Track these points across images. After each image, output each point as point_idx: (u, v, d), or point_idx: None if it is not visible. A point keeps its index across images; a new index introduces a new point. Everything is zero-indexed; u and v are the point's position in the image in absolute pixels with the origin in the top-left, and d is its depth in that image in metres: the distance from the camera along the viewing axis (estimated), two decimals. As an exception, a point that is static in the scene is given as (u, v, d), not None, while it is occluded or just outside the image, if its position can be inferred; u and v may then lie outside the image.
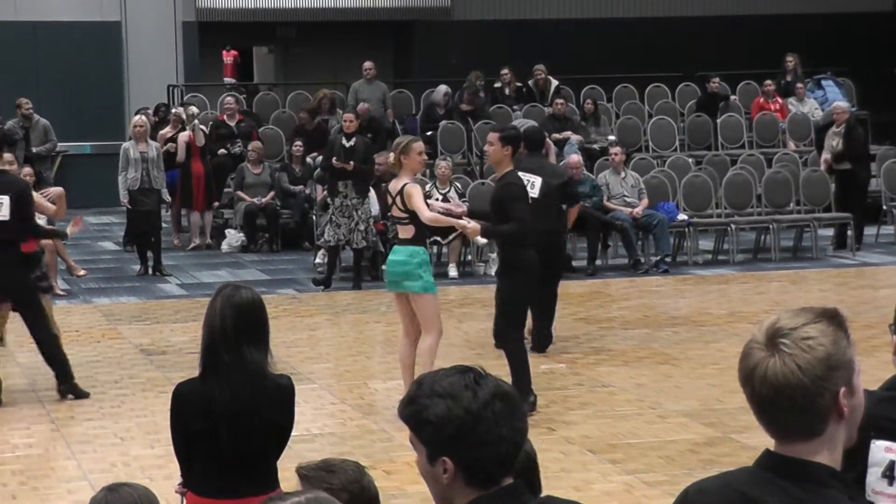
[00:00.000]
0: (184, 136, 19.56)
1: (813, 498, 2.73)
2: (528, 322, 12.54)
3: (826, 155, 19.67)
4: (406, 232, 10.43)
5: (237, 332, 5.38)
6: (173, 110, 20.66)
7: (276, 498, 3.08)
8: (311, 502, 3.06)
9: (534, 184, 12.38)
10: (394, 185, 10.49)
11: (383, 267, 15.54)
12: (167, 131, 19.73)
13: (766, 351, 2.75)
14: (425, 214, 10.28)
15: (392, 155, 10.70)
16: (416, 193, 10.26)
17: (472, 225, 10.43)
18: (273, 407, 5.46)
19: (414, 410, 2.86)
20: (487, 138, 10.93)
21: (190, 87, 24.09)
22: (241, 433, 5.39)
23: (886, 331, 3.68)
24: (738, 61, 24.57)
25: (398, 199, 10.34)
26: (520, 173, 12.44)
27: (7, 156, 11.64)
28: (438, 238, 16.82)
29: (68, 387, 11.39)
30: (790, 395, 2.72)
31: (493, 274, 11.53)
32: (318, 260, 17.77)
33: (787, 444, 2.77)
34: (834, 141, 19.62)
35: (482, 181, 18.28)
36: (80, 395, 11.41)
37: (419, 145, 10.51)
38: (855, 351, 2.79)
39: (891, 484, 3.47)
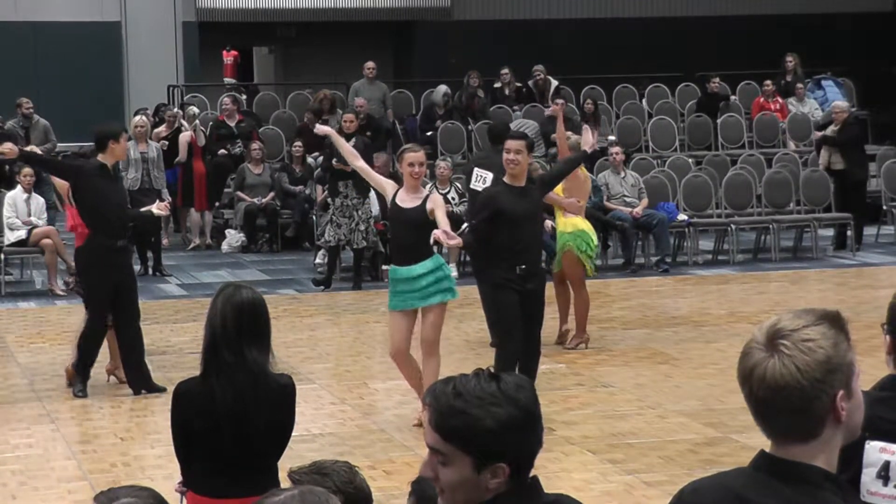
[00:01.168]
0: (185, 137, 19.60)
1: (807, 500, 2.73)
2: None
3: (820, 145, 19.58)
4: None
5: (239, 331, 5.39)
6: (170, 111, 20.65)
7: (269, 494, 3.10)
8: (304, 494, 3.08)
9: (485, 178, 12.42)
10: None
11: (384, 267, 15.58)
12: (161, 130, 19.72)
13: (766, 352, 2.74)
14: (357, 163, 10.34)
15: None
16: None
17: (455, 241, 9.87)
18: (275, 406, 5.46)
19: (465, 422, 2.80)
20: (512, 146, 10.29)
21: (190, 87, 24.10)
22: (243, 433, 5.39)
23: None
24: (738, 61, 24.57)
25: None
26: (475, 168, 12.42)
27: None
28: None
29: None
30: (788, 396, 2.72)
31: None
32: (317, 260, 17.78)
33: (783, 445, 2.78)
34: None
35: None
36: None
37: (409, 155, 9.93)
38: (855, 354, 2.79)
39: (885, 484, 3.48)
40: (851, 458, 3.37)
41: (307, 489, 3.14)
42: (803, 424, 2.75)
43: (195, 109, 20.46)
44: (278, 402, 5.48)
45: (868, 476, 3.48)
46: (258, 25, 26.32)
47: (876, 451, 3.47)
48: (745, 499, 2.76)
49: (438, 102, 21.99)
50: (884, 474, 3.47)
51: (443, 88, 22.15)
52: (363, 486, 4.15)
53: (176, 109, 20.63)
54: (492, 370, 2.90)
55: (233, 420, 5.37)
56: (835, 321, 2.78)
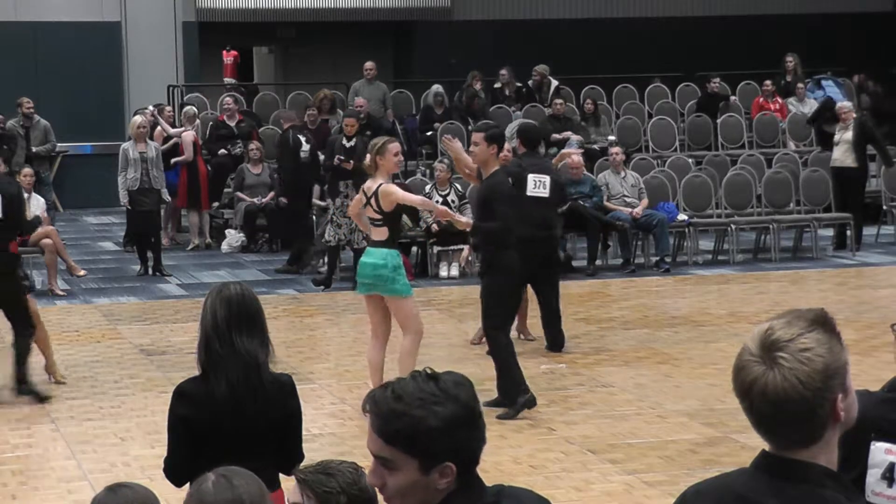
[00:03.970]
0: (190, 136, 19.59)
1: (809, 499, 2.73)
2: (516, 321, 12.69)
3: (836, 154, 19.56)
4: (379, 234, 10.39)
5: (228, 323, 5.40)
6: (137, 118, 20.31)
7: (198, 481, 3.23)
8: (220, 477, 3.18)
9: (545, 183, 12.46)
10: (369, 186, 10.41)
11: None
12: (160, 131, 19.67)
13: (763, 365, 2.73)
14: (415, 199, 10.45)
15: (368, 156, 10.55)
16: (395, 189, 10.34)
17: (465, 219, 10.64)
18: (272, 401, 5.44)
19: (409, 423, 2.82)
20: (472, 138, 10.96)
21: (190, 87, 24.09)
22: (241, 427, 5.38)
23: (886, 331, 3.68)
24: (738, 61, 24.57)
25: (373, 200, 10.31)
26: (530, 175, 12.48)
27: None
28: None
29: (26, 388, 11.35)
30: (792, 409, 2.72)
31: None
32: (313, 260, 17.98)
33: (785, 451, 2.77)
34: (839, 136, 19.50)
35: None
36: (40, 397, 11.35)
37: (395, 146, 10.39)
38: (847, 352, 2.79)
39: (890, 486, 3.47)
40: (856, 458, 3.37)
41: (228, 470, 3.22)
42: (807, 432, 2.75)
43: (194, 109, 20.43)
44: (275, 396, 5.46)
45: (873, 477, 3.48)
46: (258, 25, 26.31)
47: (881, 453, 3.47)
48: (747, 499, 2.76)
49: (432, 103, 21.96)
50: (889, 475, 3.47)
51: (435, 88, 22.10)
52: (367, 488, 4.14)
53: (149, 109, 20.33)
54: (429, 370, 2.90)
55: (229, 413, 5.37)
56: (826, 324, 2.78)
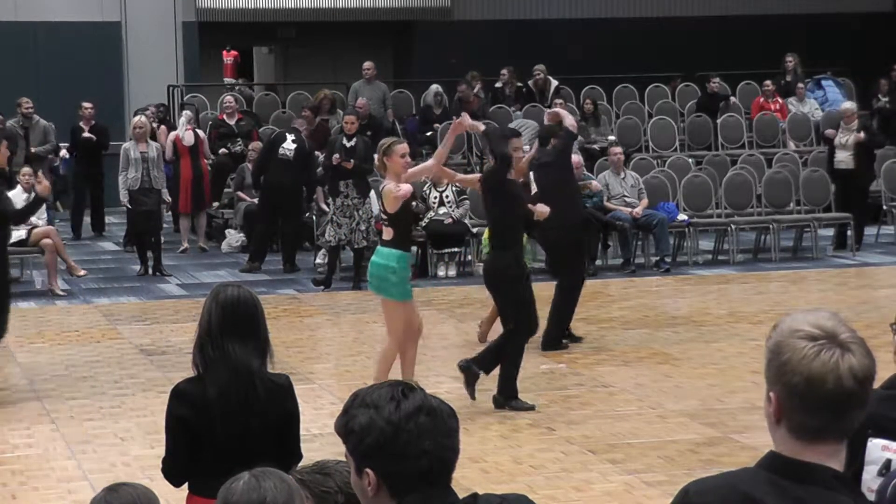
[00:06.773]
0: (171, 136, 19.49)
1: (817, 501, 2.72)
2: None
3: (841, 154, 19.46)
4: (387, 234, 10.44)
5: (221, 328, 5.37)
6: (138, 118, 20.05)
7: (231, 480, 3.22)
8: (252, 478, 3.23)
9: None
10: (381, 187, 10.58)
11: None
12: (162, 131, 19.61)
13: (836, 347, 2.72)
14: (404, 186, 10.19)
15: (376, 157, 10.64)
16: (389, 188, 10.21)
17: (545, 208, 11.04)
18: (266, 405, 5.42)
19: (343, 421, 2.94)
20: (513, 144, 11.10)
21: (190, 87, 24.09)
22: (234, 431, 5.38)
23: (886, 331, 3.68)
24: (738, 61, 24.57)
25: (379, 202, 10.42)
26: None
27: None
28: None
29: None
30: (869, 388, 2.74)
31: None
32: (318, 260, 17.76)
33: (813, 445, 2.74)
34: (845, 138, 19.42)
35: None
36: None
37: (402, 147, 10.43)
38: None
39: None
40: (854, 455, 3.36)
41: (262, 471, 3.22)
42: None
43: (189, 113, 20.29)
44: (272, 398, 5.45)
45: (869, 474, 3.48)
46: (258, 25, 26.33)
47: (878, 449, 3.47)
48: (753, 499, 2.74)
49: (431, 103, 21.95)
50: (885, 472, 3.47)
51: (434, 88, 22.09)
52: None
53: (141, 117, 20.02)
54: (412, 384, 2.93)
55: (223, 419, 5.36)
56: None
